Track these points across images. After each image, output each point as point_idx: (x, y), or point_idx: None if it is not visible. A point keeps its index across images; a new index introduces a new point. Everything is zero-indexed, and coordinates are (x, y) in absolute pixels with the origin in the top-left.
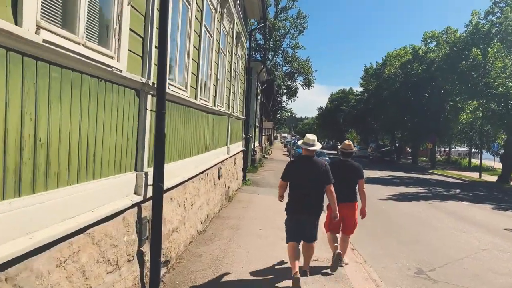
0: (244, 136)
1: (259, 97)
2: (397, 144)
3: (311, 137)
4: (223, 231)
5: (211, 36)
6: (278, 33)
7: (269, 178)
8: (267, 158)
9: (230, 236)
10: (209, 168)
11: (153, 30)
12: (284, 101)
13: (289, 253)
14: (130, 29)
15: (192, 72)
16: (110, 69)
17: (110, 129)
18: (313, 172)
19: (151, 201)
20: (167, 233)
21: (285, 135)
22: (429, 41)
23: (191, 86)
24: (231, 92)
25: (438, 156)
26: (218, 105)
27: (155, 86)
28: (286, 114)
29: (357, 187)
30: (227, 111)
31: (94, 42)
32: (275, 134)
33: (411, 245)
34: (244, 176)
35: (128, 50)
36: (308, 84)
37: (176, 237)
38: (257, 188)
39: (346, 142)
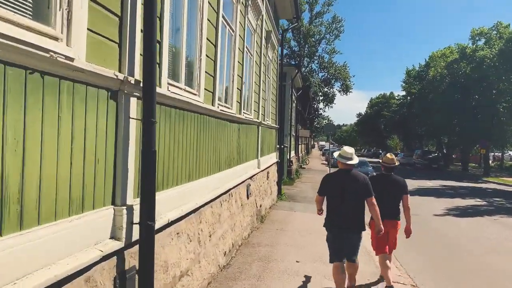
0: (278, 146)
1: (294, 104)
2: (444, 150)
3: (348, 150)
4: (252, 264)
5: (233, 31)
6: (313, 39)
7: (306, 191)
8: (305, 168)
9: (259, 273)
10: (235, 187)
11: (136, 7)
12: (321, 108)
13: (334, 276)
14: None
15: (207, 72)
16: (48, 55)
17: (64, 148)
18: (352, 185)
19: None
20: (171, 281)
21: (323, 143)
22: (477, 38)
23: (205, 89)
24: (261, 98)
25: (491, 162)
26: (244, 113)
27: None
28: (324, 121)
29: (400, 204)
30: (256, 120)
31: (20, 13)
32: (312, 143)
33: (487, 277)
34: (279, 190)
35: (89, 30)
36: (346, 89)
37: (186, 282)
38: (294, 203)
39: (388, 155)
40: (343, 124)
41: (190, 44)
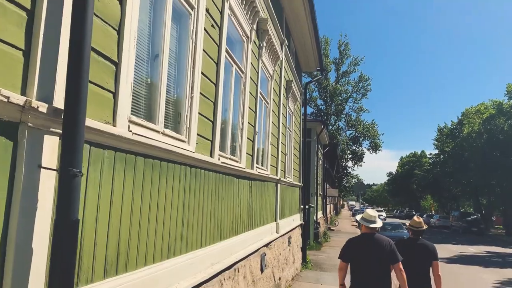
0: (302, 206)
1: (320, 161)
2: (483, 212)
3: (371, 212)
4: None
5: (242, 72)
6: (339, 98)
7: (335, 257)
8: (333, 230)
9: None
10: (243, 259)
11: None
12: (349, 167)
13: None
14: None
15: (201, 114)
16: None
17: None
18: (377, 250)
19: None
20: None
21: (353, 203)
22: None
23: (200, 135)
24: (280, 152)
25: None
26: (257, 168)
27: (63, 115)
28: (353, 180)
29: (430, 271)
30: (274, 176)
31: None
32: (341, 202)
33: None
34: (304, 257)
35: None
36: (375, 148)
37: None
38: (321, 273)
39: (416, 218)
40: (373, 183)
41: (177, 77)
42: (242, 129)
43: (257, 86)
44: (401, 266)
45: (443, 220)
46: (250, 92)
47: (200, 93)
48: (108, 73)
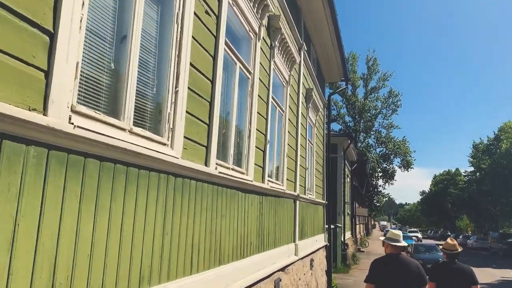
0: (327, 226)
1: (348, 179)
2: None
3: (396, 232)
4: None
5: (249, 73)
6: (368, 114)
7: None
8: (363, 251)
9: None
10: (251, 286)
11: None
12: (380, 185)
13: None
14: None
15: (190, 113)
16: None
17: None
18: (404, 272)
19: None
20: None
21: (385, 223)
22: None
23: (188, 138)
24: (299, 166)
25: None
26: (270, 181)
27: None
28: (384, 199)
29: None
30: (291, 192)
31: None
32: (373, 223)
33: None
34: (329, 282)
35: None
36: (407, 165)
37: None
38: None
39: (449, 241)
40: (406, 203)
41: (157, 66)
42: (249, 136)
43: (268, 90)
44: None
45: (481, 242)
46: (259, 96)
47: (189, 88)
48: (36, 44)
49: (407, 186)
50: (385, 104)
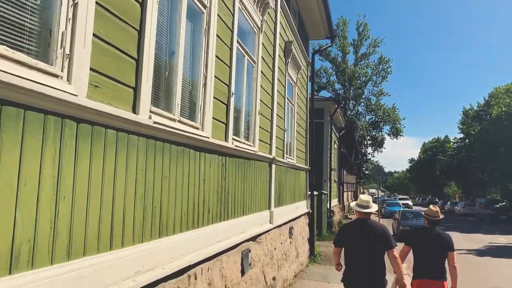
0: (310, 193)
1: (335, 145)
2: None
3: (365, 198)
4: None
5: (203, 6)
6: (358, 81)
7: None
8: (351, 218)
9: None
10: (206, 261)
11: None
12: (369, 153)
13: None
14: None
15: (99, 37)
16: None
17: None
18: (370, 236)
19: None
20: None
21: (374, 191)
22: None
23: (97, 71)
24: (276, 127)
25: None
26: (236, 140)
27: None
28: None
29: (445, 262)
30: (265, 154)
31: None
32: (362, 190)
33: None
34: (311, 250)
35: None
36: (396, 133)
37: None
38: (331, 268)
39: (432, 207)
40: (395, 171)
41: None
42: (205, 84)
43: (232, 32)
44: (395, 253)
45: (469, 208)
46: (219, 37)
47: (98, 3)
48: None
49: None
50: (375, 71)
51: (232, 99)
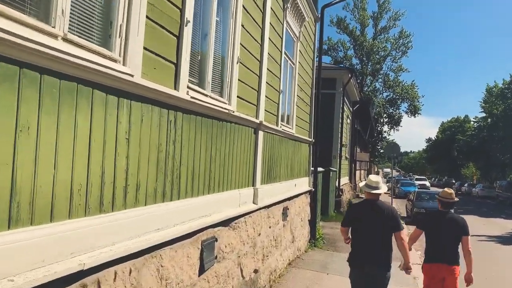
0: (313, 169)
1: (349, 120)
2: None
3: (374, 178)
4: None
5: None
6: (377, 56)
7: None
8: (362, 198)
9: None
10: (132, 257)
11: None
12: (385, 131)
13: None
14: None
15: None
16: None
17: None
18: (378, 217)
19: None
20: None
21: (388, 170)
22: None
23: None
24: (266, 85)
25: None
26: (193, 91)
27: None
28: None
29: (459, 246)
30: (249, 117)
31: None
32: (376, 169)
33: None
34: (313, 233)
35: None
36: (414, 111)
37: None
38: (333, 255)
39: (447, 190)
40: (411, 151)
41: None
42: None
43: None
44: (402, 235)
45: (488, 190)
46: None
47: None
48: None
49: (413, 134)
50: (395, 45)
51: (187, 31)
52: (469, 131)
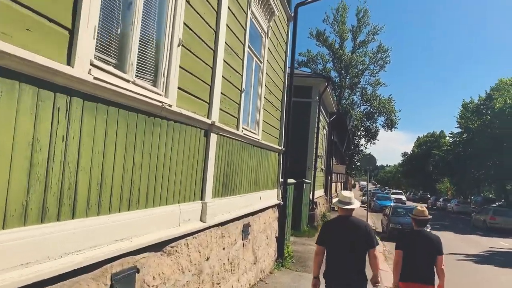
0: (283, 180)
1: (325, 131)
2: (508, 198)
3: (347, 194)
4: None
5: None
6: (355, 70)
7: None
8: (337, 211)
9: None
10: None
11: None
12: (362, 145)
13: None
14: None
15: None
16: None
17: None
18: (352, 233)
19: None
20: None
21: (365, 183)
22: None
23: None
24: (223, 80)
25: None
26: (101, 70)
27: None
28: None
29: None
30: (198, 116)
31: None
32: (353, 182)
33: None
34: (279, 252)
35: None
36: (391, 125)
37: None
38: (302, 276)
39: (419, 207)
40: (387, 165)
41: None
42: None
43: None
44: (375, 253)
45: (463, 206)
46: None
47: None
48: None
49: (390, 149)
50: (373, 59)
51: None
52: (445, 146)
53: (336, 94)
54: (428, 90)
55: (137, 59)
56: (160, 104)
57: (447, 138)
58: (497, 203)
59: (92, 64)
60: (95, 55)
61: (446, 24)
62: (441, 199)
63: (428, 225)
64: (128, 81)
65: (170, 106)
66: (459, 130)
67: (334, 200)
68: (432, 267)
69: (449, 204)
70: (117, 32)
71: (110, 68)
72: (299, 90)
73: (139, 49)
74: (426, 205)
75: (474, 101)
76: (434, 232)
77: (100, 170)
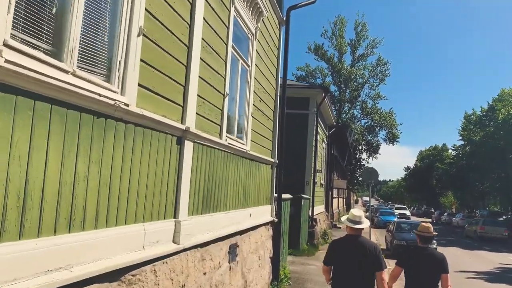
0: (277, 195)
1: (324, 144)
2: None
3: (357, 212)
4: None
5: None
6: (355, 83)
7: None
8: (340, 228)
9: None
10: None
11: None
12: (363, 159)
13: None
14: None
15: None
16: None
17: None
18: (360, 254)
19: None
20: None
21: (367, 198)
22: None
23: None
24: (202, 82)
25: None
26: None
27: None
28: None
29: (439, 284)
30: (166, 120)
31: None
32: (355, 198)
33: None
34: (276, 273)
35: None
36: (392, 139)
37: None
38: None
39: (424, 224)
40: (389, 179)
41: None
42: None
43: None
44: (384, 275)
45: (468, 220)
46: None
47: None
48: None
49: (392, 163)
50: (372, 72)
51: None
52: (448, 159)
53: (336, 108)
54: (429, 103)
55: (81, 47)
56: (113, 103)
57: (450, 151)
58: (503, 217)
59: (5, 45)
60: (15, 36)
61: (446, 36)
62: (445, 214)
63: (434, 241)
64: (66, 71)
65: (127, 105)
66: (462, 142)
67: (343, 218)
68: (436, 286)
69: (454, 218)
70: (52, 11)
71: (36, 53)
72: (295, 102)
73: (83, 35)
74: (430, 220)
75: (476, 113)
76: (440, 248)
77: (22, 181)
